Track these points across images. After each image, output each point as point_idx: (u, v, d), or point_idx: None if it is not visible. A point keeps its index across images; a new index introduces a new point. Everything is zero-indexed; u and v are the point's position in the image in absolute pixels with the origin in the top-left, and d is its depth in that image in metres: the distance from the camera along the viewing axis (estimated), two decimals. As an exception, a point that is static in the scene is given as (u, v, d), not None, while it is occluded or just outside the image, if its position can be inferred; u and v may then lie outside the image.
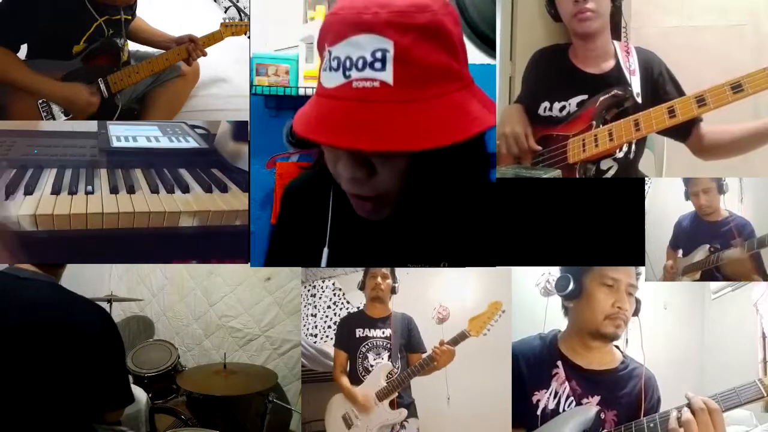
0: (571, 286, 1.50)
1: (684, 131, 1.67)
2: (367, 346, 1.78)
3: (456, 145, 0.87)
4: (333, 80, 0.88)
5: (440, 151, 0.87)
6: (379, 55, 0.85)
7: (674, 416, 1.28)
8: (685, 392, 1.30)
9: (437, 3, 0.89)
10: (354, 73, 0.86)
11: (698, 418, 1.24)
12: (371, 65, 0.86)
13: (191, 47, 1.85)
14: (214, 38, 1.86)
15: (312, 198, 1.14)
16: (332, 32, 0.89)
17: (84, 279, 1.61)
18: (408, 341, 1.77)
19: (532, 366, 1.53)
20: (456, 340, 1.69)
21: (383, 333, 1.78)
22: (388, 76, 0.85)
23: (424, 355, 1.73)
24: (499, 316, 1.67)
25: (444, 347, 1.69)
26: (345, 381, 1.78)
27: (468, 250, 1.09)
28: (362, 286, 1.81)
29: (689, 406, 1.27)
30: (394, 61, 0.85)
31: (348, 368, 1.79)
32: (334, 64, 0.88)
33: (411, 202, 1.00)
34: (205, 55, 1.87)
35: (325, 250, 1.11)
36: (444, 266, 1.09)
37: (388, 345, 1.77)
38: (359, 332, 1.79)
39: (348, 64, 0.87)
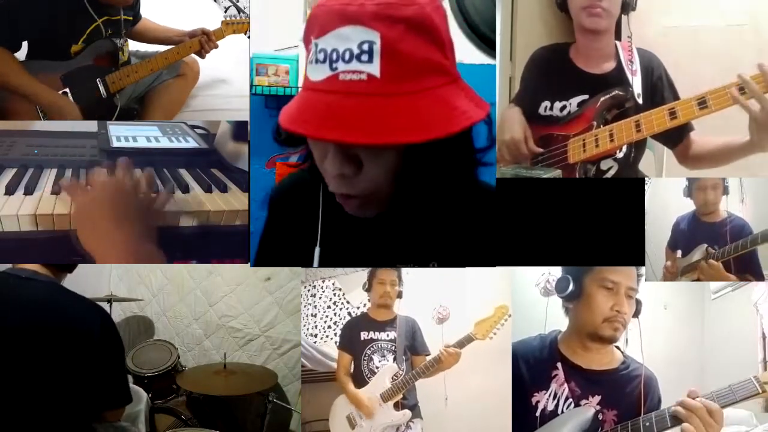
0: (571, 287, 1.49)
1: (675, 138, 1.68)
2: (372, 349, 1.78)
3: (443, 141, 0.87)
4: (319, 73, 0.88)
5: (428, 146, 0.87)
6: (366, 47, 0.85)
7: (671, 413, 1.28)
8: (686, 390, 1.30)
9: None
10: (341, 66, 0.86)
11: (697, 413, 1.24)
12: (358, 57, 0.85)
13: (204, 39, 1.84)
14: (215, 36, 1.86)
15: (302, 198, 1.13)
16: (318, 24, 0.89)
17: (84, 279, 1.60)
18: (412, 344, 1.78)
19: (532, 367, 1.53)
20: (462, 343, 1.69)
21: (388, 336, 1.78)
22: (375, 68, 0.85)
23: (429, 357, 1.73)
24: (506, 320, 1.67)
25: (450, 350, 1.69)
26: (349, 385, 1.78)
27: (458, 250, 1.08)
28: (368, 288, 1.81)
29: (686, 403, 1.26)
30: (381, 53, 0.85)
31: (353, 370, 1.79)
32: (321, 56, 0.87)
33: (400, 200, 0.99)
34: (217, 47, 1.86)
35: (317, 249, 1.10)
36: (433, 266, 1.09)
37: (393, 347, 1.78)
38: (364, 335, 1.79)
39: (335, 56, 0.86)
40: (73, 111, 1.82)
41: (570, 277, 1.50)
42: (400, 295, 1.78)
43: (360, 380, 1.78)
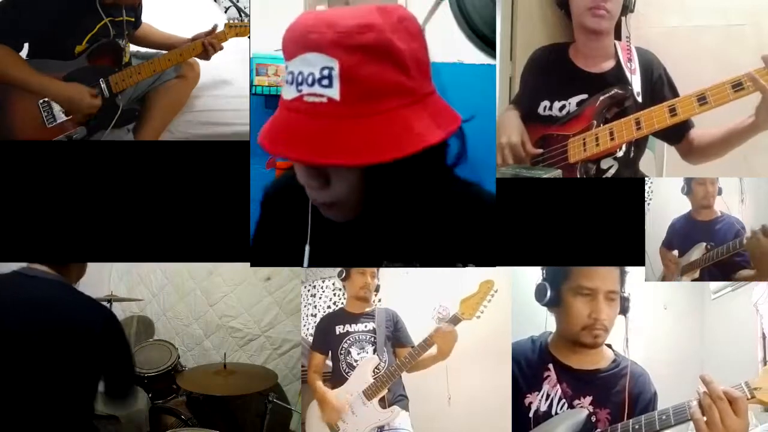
0: (548, 295, 1.47)
1: (677, 135, 1.68)
2: (349, 341, 1.72)
3: (404, 160, 0.90)
4: (289, 93, 0.93)
5: (389, 166, 0.91)
6: (326, 72, 0.90)
7: (695, 405, 1.24)
8: (685, 390, 1.29)
9: (388, 20, 0.92)
10: (305, 88, 0.91)
11: (718, 405, 1.20)
12: (319, 81, 0.90)
13: (207, 42, 1.85)
14: (218, 39, 1.86)
15: (292, 198, 1.15)
16: (287, 49, 0.95)
17: (84, 279, 1.61)
18: (395, 334, 1.72)
19: (524, 369, 1.52)
20: (450, 324, 1.64)
21: (366, 327, 1.73)
22: (334, 92, 0.90)
23: (416, 343, 1.66)
24: (492, 296, 1.62)
25: (445, 326, 1.62)
26: (317, 383, 1.71)
27: (442, 250, 1.09)
28: (345, 277, 1.75)
29: (708, 393, 1.22)
30: (340, 78, 0.89)
31: (331, 368, 1.72)
32: (289, 78, 0.93)
33: (373, 206, 1.03)
34: (221, 49, 1.86)
35: (307, 248, 1.13)
36: (415, 266, 1.10)
37: (373, 338, 1.71)
38: (339, 329, 1.74)
39: (300, 79, 0.92)
40: (84, 95, 1.81)
41: (547, 284, 1.48)
42: (377, 289, 1.75)
43: (339, 378, 1.70)
